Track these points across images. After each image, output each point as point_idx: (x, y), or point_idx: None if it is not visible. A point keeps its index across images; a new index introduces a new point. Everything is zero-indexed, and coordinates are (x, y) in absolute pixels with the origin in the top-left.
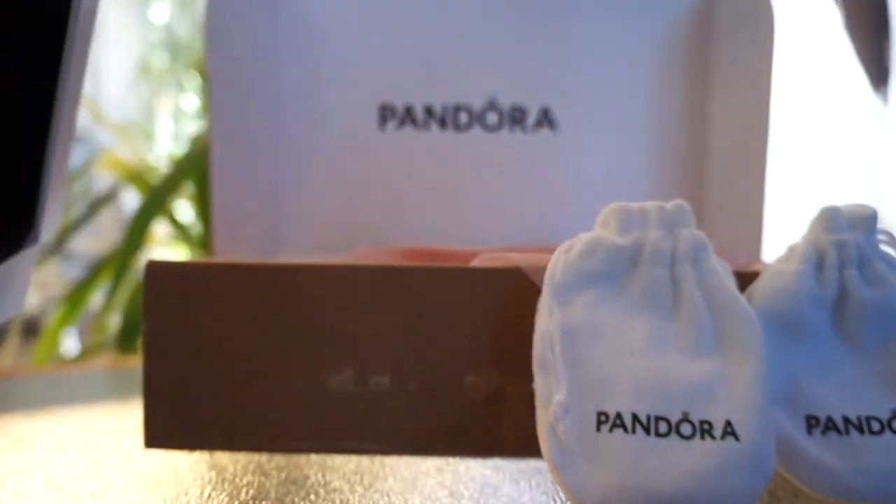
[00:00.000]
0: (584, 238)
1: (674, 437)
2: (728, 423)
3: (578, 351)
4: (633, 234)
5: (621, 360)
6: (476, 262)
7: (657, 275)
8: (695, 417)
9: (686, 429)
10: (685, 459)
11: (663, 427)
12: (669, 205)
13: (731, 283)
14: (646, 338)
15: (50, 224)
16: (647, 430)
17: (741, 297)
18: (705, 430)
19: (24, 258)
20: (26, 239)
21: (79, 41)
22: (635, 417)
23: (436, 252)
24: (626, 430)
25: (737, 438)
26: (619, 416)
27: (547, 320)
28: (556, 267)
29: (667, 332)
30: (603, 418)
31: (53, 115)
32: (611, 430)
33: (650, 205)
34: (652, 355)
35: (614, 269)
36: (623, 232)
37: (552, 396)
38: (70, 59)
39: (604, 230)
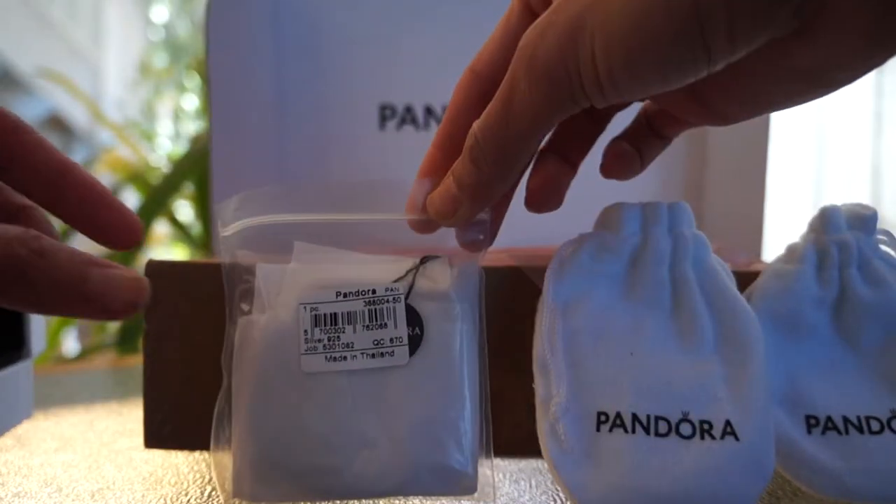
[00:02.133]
0: (584, 238)
1: (674, 437)
2: (728, 423)
3: (579, 351)
4: (633, 234)
5: (621, 359)
6: None
7: (657, 275)
8: (695, 417)
9: (686, 429)
10: (685, 459)
11: (663, 427)
12: (669, 205)
13: (731, 283)
14: (646, 338)
15: (38, 337)
16: (647, 430)
17: (741, 298)
18: (705, 429)
19: (24, 368)
20: (21, 352)
21: None
22: (635, 417)
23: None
24: (626, 429)
25: (737, 438)
26: (619, 416)
27: (547, 320)
28: (556, 267)
29: (667, 331)
30: (603, 418)
31: None
32: (611, 429)
33: (650, 205)
34: (652, 355)
35: (614, 269)
36: (623, 232)
37: (552, 396)
38: None
39: (604, 230)
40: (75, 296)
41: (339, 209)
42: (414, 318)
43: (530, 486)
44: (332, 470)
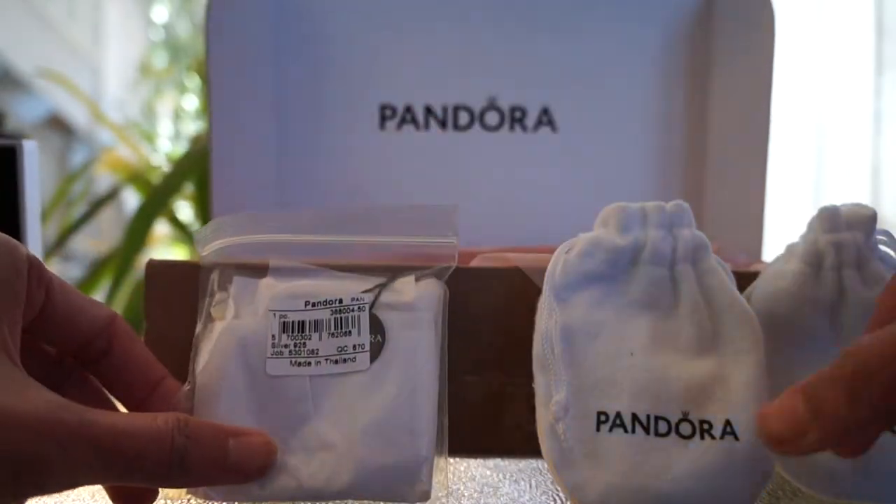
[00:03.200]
0: (584, 238)
1: (673, 437)
2: (727, 423)
3: (578, 351)
4: (633, 234)
5: (621, 359)
6: (476, 262)
7: (657, 275)
8: (694, 417)
9: (686, 428)
10: (685, 459)
11: (663, 427)
12: (669, 205)
13: (731, 283)
14: (646, 338)
15: None
16: (646, 430)
17: (741, 298)
18: (705, 429)
19: None
20: None
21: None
22: (635, 417)
23: None
24: (625, 429)
25: (736, 438)
26: (618, 415)
27: (547, 320)
28: (556, 267)
29: (667, 331)
30: (603, 418)
31: None
32: (611, 429)
33: (650, 205)
34: (652, 355)
35: (614, 269)
36: (623, 232)
37: (552, 396)
38: None
39: (604, 230)
40: (219, 470)
41: (314, 231)
42: (377, 326)
43: (530, 486)
44: (287, 471)
